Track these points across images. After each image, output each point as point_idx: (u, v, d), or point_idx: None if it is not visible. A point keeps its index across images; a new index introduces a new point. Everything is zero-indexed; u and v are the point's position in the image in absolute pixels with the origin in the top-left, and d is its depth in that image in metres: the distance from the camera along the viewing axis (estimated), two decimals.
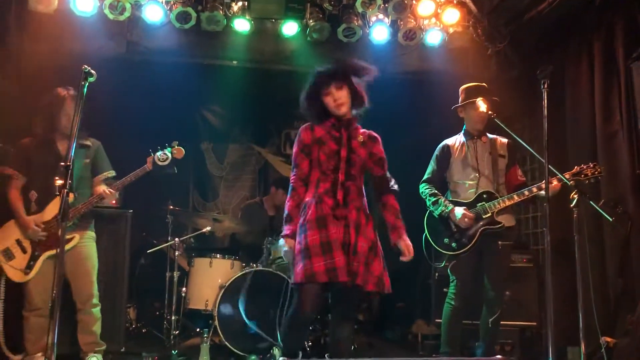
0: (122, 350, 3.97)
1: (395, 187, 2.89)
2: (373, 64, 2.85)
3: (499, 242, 3.54)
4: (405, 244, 2.77)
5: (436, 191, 3.69)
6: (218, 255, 4.54)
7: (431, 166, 3.78)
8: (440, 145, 3.79)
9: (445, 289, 3.72)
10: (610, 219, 3.25)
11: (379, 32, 4.71)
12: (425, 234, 3.73)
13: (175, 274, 4.36)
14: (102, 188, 3.51)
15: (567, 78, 4.38)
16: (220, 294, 4.16)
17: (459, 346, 3.64)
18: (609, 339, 3.43)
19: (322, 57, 4.39)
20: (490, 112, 3.48)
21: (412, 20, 4.74)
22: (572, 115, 4.33)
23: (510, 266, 3.82)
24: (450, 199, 3.69)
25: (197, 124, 6.55)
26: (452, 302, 3.56)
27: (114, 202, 4.15)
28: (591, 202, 3.14)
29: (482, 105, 3.48)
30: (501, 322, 3.65)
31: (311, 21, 4.61)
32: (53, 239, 3.35)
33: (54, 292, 3.29)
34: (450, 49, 4.93)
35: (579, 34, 4.32)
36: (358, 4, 4.51)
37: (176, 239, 4.46)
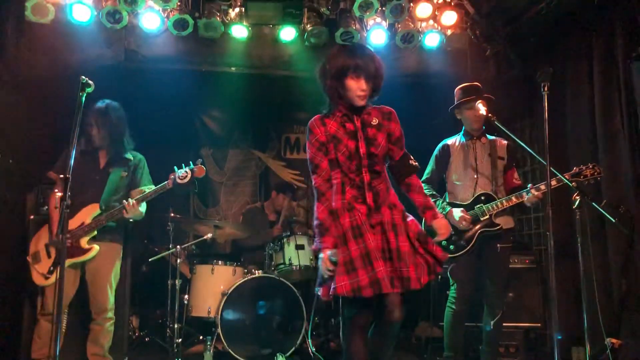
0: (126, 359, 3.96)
1: (415, 163, 2.70)
2: None
3: (498, 245, 3.52)
4: (443, 223, 2.63)
5: (434, 192, 3.68)
6: (220, 262, 4.53)
7: (430, 166, 3.77)
8: (440, 144, 3.78)
9: (447, 292, 3.69)
10: (613, 220, 3.23)
11: (377, 35, 4.70)
12: None
13: (177, 282, 4.35)
14: (127, 200, 3.49)
15: (567, 78, 4.37)
16: (223, 301, 4.15)
17: (463, 349, 3.63)
18: (614, 340, 3.42)
19: (321, 62, 4.37)
20: (490, 115, 3.45)
21: (410, 23, 4.73)
22: (572, 115, 4.32)
23: (513, 268, 3.80)
24: (448, 200, 3.68)
25: (197, 130, 6.54)
26: (453, 306, 3.54)
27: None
28: (593, 203, 3.12)
29: (481, 108, 3.46)
30: (505, 324, 3.63)
31: (309, 26, 4.61)
32: (75, 248, 3.43)
33: (70, 299, 3.38)
34: (449, 51, 4.94)
35: (578, 33, 4.29)
36: (355, 8, 4.49)
37: (178, 247, 4.44)
